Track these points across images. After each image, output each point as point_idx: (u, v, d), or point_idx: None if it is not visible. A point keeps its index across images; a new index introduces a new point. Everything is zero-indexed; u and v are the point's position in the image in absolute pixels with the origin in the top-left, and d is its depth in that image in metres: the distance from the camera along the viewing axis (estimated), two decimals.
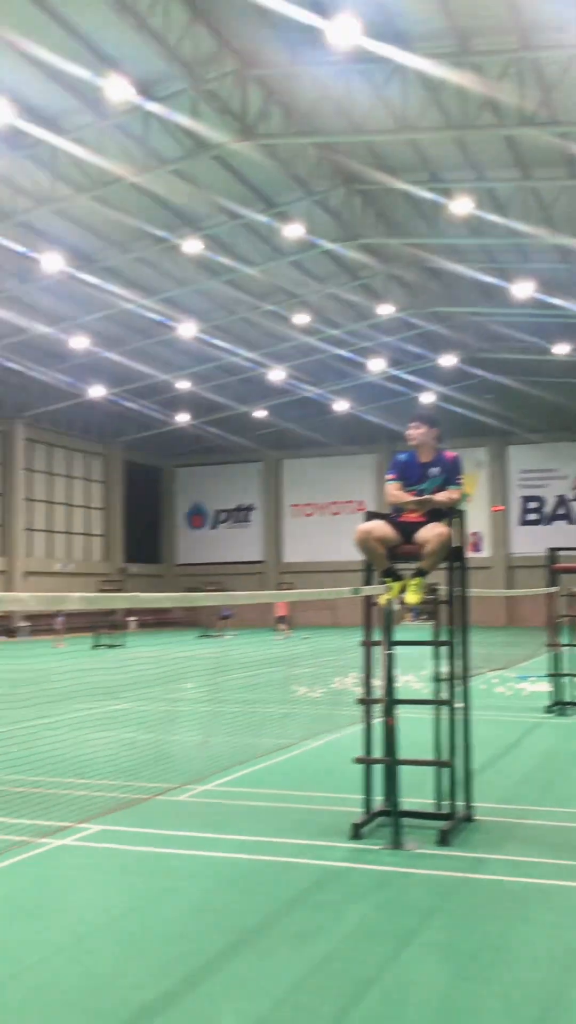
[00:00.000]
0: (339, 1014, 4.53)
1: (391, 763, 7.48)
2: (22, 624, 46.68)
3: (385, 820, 7.56)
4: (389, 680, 7.52)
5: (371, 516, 8.14)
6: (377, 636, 7.87)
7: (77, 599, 8.15)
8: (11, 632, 45.81)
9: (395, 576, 7.87)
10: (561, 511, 55.86)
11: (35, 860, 6.98)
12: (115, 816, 8.14)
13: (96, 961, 5.20)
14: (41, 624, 45.79)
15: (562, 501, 55.92)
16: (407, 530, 7.86)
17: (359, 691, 8.16)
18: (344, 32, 20.32)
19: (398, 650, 7.64)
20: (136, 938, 5.55)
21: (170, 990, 4.82)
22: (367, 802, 7.74)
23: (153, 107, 23.89)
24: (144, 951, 5.34)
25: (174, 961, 5.18)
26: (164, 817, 8.19)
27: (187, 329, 39.31)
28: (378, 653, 7.79)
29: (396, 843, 7.21)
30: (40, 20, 20.63)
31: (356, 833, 7.48)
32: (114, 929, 5.71)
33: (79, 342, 39.70)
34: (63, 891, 6.46)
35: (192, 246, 31.24)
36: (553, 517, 55.88)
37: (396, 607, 7.77)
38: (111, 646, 35.47)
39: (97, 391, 47.11)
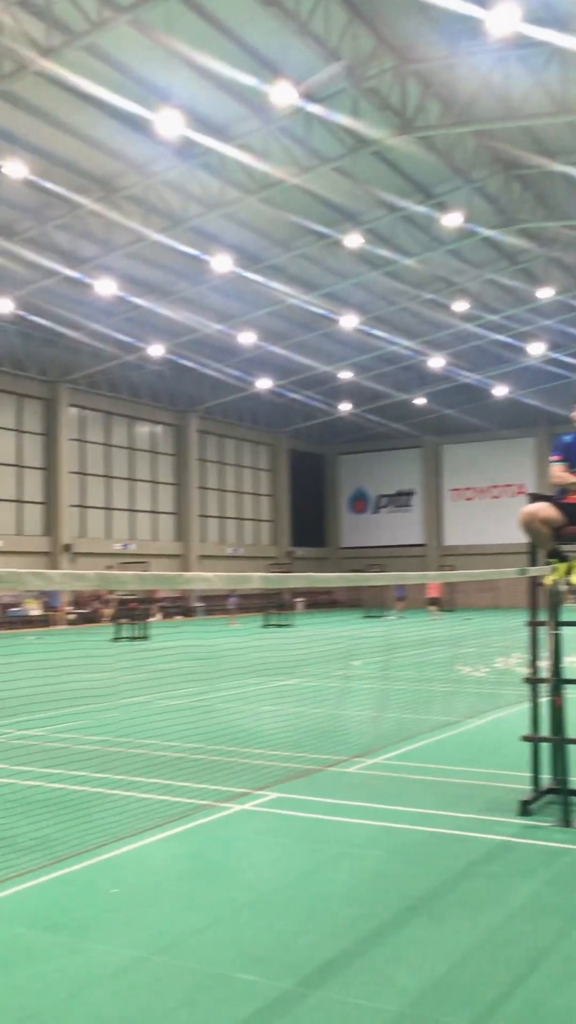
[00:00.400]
0: (514, 982, 4.63)
1: (560, 742, 7.47)
2: (197, 604, 49.06)
3: (553, 798, 7.54)
4: (556, 660, 7.61)
5: (535, 498, 8.06)
6: (543, 617, 7.94)
7: (258, 579, 9.07)
8: (188, 612, 48.21)
9: (561, 557, 7.73)
10: None
11: (218, 823, 7.45)
12: (290, 784, 8.59)
13: (277, 919, 5.49)
14: (215, 604, 48.02)
15: None
16: (572, 511, 7.72)
17: (523, 671, 8.26)
18: (503, 20, 20.44)
19: (564, 631, 7.71)
20: (314, 900, 5.80)
21: (348, 950, 5.03)
22: (535, 779, 7.72)
23: (315, 108, 24.75)
24: (322, 912, 5.58)
25: (351, 923, 5.40)
26: (336, 787, 8.54)
27: (348, 321, 40.15)
28: (544, 633, 7.88)
29: (566, 820, 7.22)
30: (210, 34, 21.88)
31: (524, 809, 7.47)
32: (293, 890, 5.99)
33: (247, 337, 41.26)
34: (244, 853, 6.80)
35: (353, 240, 32.01)
36: None
37: (562, 588, 7.69)
38: (280, 625, 36.85)
39: (264, 383, 48.71)
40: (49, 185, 27.51)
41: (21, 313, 36.84)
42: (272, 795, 8.31)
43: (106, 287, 34.17)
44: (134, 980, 4.74)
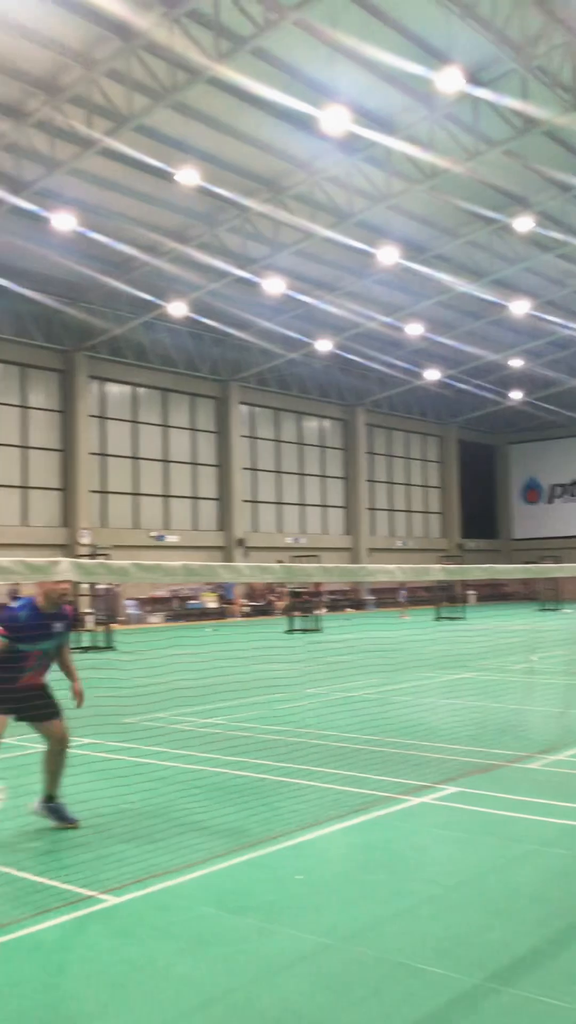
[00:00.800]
0: None
1: None
2: (367, 597, 49.21)
3: None
4: None
5: None
6: None
7: (438, 570, 9.07)
8: (358, 605, 48.42)
9: None
10: None
11: (399, 815, 7.44)
12: (471, 779, 8.48)
13: (461, 915, 5.43)
14: (385, 597, 47.99)
15: None
16: None
17: None
18: None
19: None
20: (498, 897, 5.70)
21: (538, 948, 4.91)
22: None
23: (482, 92, 24.28)
24: (507, 910, 5.48)
25: (539, 922, 5.27)
26: (518, 783, 8.39)
27: (519, 307, 39.15)
28: None
29: None
30: (374, 25, 21.90)
31: None
32: (476, 886, 5.92)
33: (414, 329, 40.96)
34: (426, 846, 6.79)
35: (523, 224, 31.19)
36: None
37: None
38: (452, 618, 36.45)
39: (432, 375, 48.22)
40: (219, 190, 28.22)
41: (193, 315, 38.00)
42: (452, 789, 8.24)
43: (274, 286, 34.72)
44: (322, 966, 4.82)
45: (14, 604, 6.97)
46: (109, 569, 5.77)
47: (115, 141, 24.82)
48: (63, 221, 28.41)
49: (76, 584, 28.74)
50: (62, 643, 7.13)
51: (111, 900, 5.68)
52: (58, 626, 6.97)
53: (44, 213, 27.92)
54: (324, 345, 42.39)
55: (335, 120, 24.07)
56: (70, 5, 20.53)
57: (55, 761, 7.09)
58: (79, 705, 7.19)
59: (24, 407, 38.96)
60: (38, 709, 6.95)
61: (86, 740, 10.16)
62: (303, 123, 25.22)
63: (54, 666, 7.20)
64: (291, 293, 36.04)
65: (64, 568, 5.21)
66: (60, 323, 37.98)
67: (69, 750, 7.24)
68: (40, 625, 6.83)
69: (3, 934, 5.17)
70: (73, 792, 7.26)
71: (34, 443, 39.05)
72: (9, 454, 38.23)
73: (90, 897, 5.71)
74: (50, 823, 7.16)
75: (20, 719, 6.97)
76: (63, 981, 4.72)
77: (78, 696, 7.18)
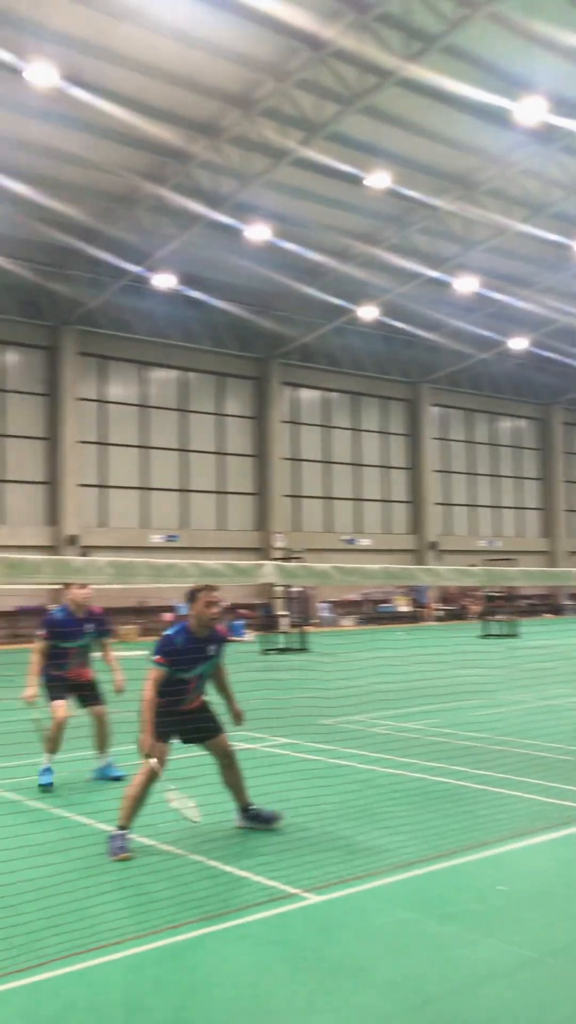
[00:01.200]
0: None
1: None
2: (567, 603, 47.52)
3: None
4: None
5: None
6: None
7: None
8: (557, 610, 46.83)
9: None
10: None
11: None
12: None
13: None
14: None
15: None
16: None
17: None
18: None
19: None
20: None
21: None
22: None
23: None
24: None
25: None
26: None
27: None
28: None
29: None
30: (571, 10, 21.09)
31: None
32: None
33: None
34: None
35: None
36: None
37: None
38: None
39: None
40: (409, 192, 28.10)
41: (383, 319, 38.00)
42: None
43: (466, 284, 34.18)
44: (529, 979, 4.69)
45: (168, 631, 6.99)
46: (310, 572, 5.85)
47: (307, 150, 25.23)
48: (257, 232, 29.15)
49: (271, 586, 29.36)
50: (218, 664, 7.16)
51: (313, 899, 5.75)
52: (212, 648, 6.97)
53: (239, 225, 28.75)
54: (519, 343, 41.32)
55: (530, 111, 23.46)
56: (261, 21, 21.04)
57: (232, 774, 7.15)
58: (238, 724, 7.25)
59: (220, 415, 40.25)
60: (203, 730, 7.02)
61: (284, 740, 10.35)
62: (496, 117, 24.70)
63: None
64: (483, 291, 35.37)
65: (268, 571, 5.33)
66: (254, 332, 38.96)
67: (239, 753, 7.28)
68: (196, 649, 6.87)
69: (212, 924, 5.34)
70: (274, 791, 7.39)
71: (230, 449, 40.27)
72: (206, 460, 39.61)
73: (293, 895, 5.80)
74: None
75: (188, 741, 7.06)
76: (268, 974, 4.81)
77: (237, 717, 7.22)
